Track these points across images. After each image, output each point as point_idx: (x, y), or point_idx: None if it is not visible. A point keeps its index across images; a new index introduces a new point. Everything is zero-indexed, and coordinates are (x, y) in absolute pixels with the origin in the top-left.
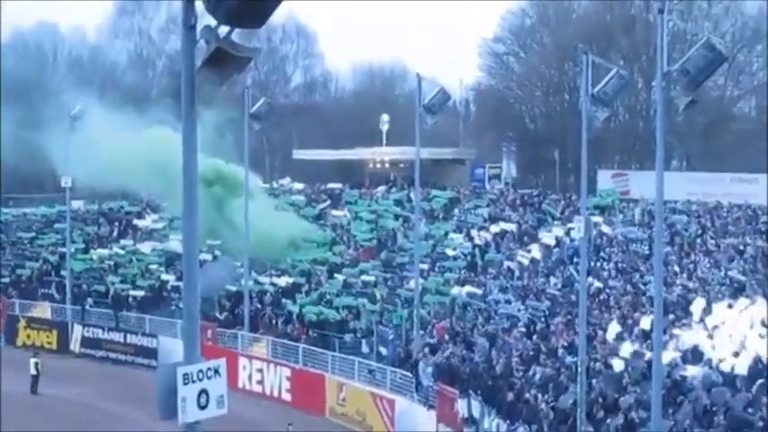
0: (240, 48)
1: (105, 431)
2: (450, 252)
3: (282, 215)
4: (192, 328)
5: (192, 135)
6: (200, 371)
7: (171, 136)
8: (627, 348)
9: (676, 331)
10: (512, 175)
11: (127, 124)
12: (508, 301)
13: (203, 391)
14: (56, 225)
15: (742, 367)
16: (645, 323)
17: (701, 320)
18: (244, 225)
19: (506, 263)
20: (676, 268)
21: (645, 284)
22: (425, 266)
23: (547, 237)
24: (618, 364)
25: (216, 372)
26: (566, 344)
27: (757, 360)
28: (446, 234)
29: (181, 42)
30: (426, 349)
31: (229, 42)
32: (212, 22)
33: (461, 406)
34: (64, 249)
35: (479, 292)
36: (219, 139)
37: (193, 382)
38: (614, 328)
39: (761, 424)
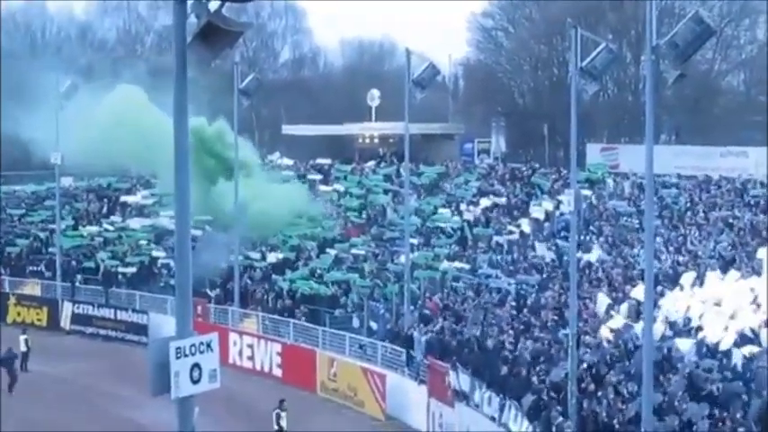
0: (231, 22)
1: (96, 407)
2: (439, 224)
3: (282, 191)
4: (184, 303)
5: (183, 110)
6: (193, 345)
7: (138, 93)
8: (617, 322)
9: (665, 304)
10: (501, 149)
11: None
12: (498, 276)
13: (196, 366)
14: (45, 202)
15: (729, 339)
16: (635, 295)
17: (691, 293)
18: (233, 208)
19: (496, 237)
20: (662, 240)
21: (634, 258)
22: (415, 241)
23: (537, 211)
24: (608, 338)
25: (208, 346)
26: (556, 317)
27: (742, 334)
28: (435, 209)
29: (172, 17)
30: (421, 325)
31: (220, 17)
32: None
33: (452, 380)
34: (53, 226)
35: (469, 266)
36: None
37: (186, 356)
38: (604, 302)
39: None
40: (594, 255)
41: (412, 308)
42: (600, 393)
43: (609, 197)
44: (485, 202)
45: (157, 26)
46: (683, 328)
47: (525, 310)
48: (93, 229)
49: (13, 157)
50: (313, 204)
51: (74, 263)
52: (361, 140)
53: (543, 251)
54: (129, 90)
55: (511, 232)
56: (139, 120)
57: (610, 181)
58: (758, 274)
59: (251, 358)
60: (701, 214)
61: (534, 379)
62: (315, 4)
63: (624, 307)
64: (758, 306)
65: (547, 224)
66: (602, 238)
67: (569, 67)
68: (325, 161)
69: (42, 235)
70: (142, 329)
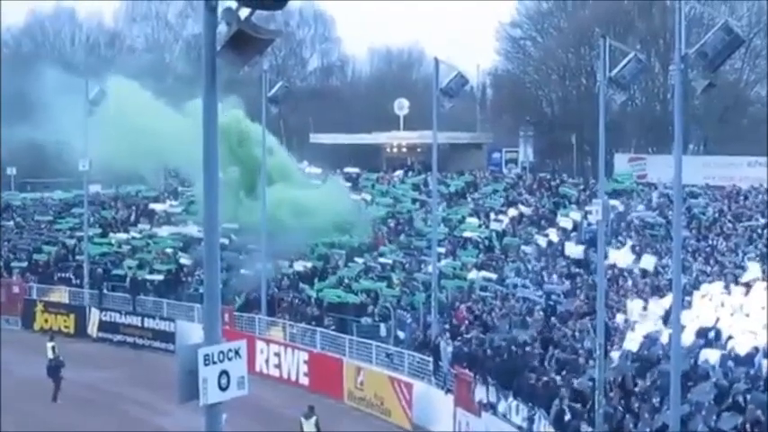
0: (261, 30)
1: (123, 414)
2: (467, 234)
3: (324, 194)
4: (212, 310)
5: (212, 118)
6: (221, 352)
7: (132, 85)
8: (644, 331)
9: (693, 314)
10: (529, 159)
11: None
12: (525, 285)
13: (224, 373)
14: (73, 209)
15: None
16: (663, 305)
17: (719, 303)
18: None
19: (523, 247)
20: (689, 251)
21: (663, 267)
22: (443, 250)
23: (564, 220)
24: (636, 347)
25: (236, 353)
26: (584, 326)
27: None
28: (463, 218)
29: (202, 24)
30: (447, 334)
31: (250, 24)
32: (233, 4)
33: (479, 390)
34: (81, 233)
35: (496, 276)
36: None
37: (214, 363)
38: (632, 311)
39: None
40: (622, 253)
41: (438, 317)
42: (627, 403)
43: (636, 207)
44: (512, 212)
45: (186, 34)
46: (711, 339)
47: (553, 319)
48: (122, 236)
49: (39, 165)
50: (353, 204)
51: (101, 270)
52: (389, 149)
53: (572, 249)
54: (121, 84)
55: (538, 242)
56: (139, 116)
57: (637, 191)
58: None
59: (278, 366)
60: (729, 224)
61: (562, 388)
62: (344, 12)
63: (652, 317)
64: None
65: (574, 234)
66: (628, 247)
67: (598, 76)
68: (354, 170)
69: (70, 242)
70: (169, 337)
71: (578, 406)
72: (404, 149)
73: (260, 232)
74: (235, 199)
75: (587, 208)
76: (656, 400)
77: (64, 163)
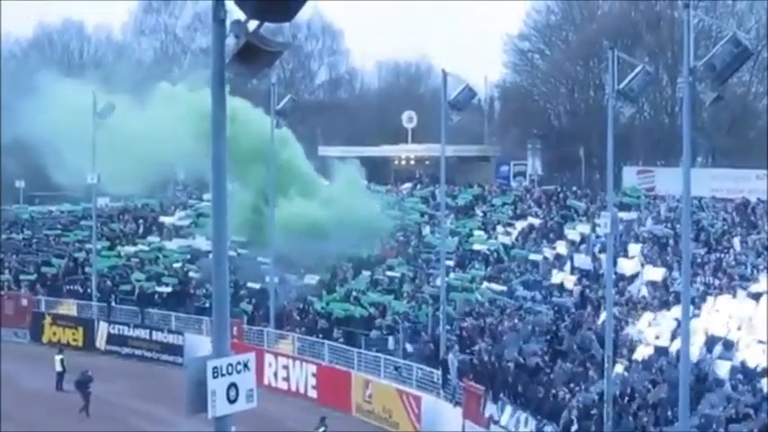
0: (270, 42)
1: (131, 427)
2: (475, 246)
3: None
4: (221, 322)
5: (221, 129)
6: (230, 364)
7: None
8: (653, 344)
9: (702, 326)
10: (537, 172)
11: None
12: (534, 298)
13: (233, 385)
14: (81, 222)
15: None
16: (672, 317)
17: (727, 316)
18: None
19: (532, 256)
20: (697, 263)
21: (672, 280)
22: (451, 263)
23: (572, 233)
24: (645, 360)
25: (245, 366)
26: (591, 339)
27: None
28: (471, 231)
29: (211, 37)
30: (456, 347)
31: (259, 37)
32: (242, 16)
33: (486, 403)
34: (90, 246)
35: (505, 288)
36: None
37: (223, 375)
38: (641, 324)
39: None
40: (630, 266)
41: (448, 327)
42: (636, 415)
43: (645, 220)
44: (520, 225)
45: (194, 48)
46: (720, 350)
47: (561, 332)
48: (130, 249)
49: (45, 178)
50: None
51: (109, 283)
52: (397, 162)
53: (581, 261)
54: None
55: (546, 256)
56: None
57: (645, 204)
58: None
59: (286, 379)
60: (737, 237)
61: (570, 401)
62: (351, 25)
63: (661, 329)
64: None
65: (583, 246)
66: (636, 260)
67: (606, 89)
68: (362, 182)
69: (78, 255)
70: (177, 350)
71: (588, 418)
72: (412, 162)
73: (271, 246)
74: (242, 214)
75: (596, 220)
76: (669, 413)
77: (66, 172)
